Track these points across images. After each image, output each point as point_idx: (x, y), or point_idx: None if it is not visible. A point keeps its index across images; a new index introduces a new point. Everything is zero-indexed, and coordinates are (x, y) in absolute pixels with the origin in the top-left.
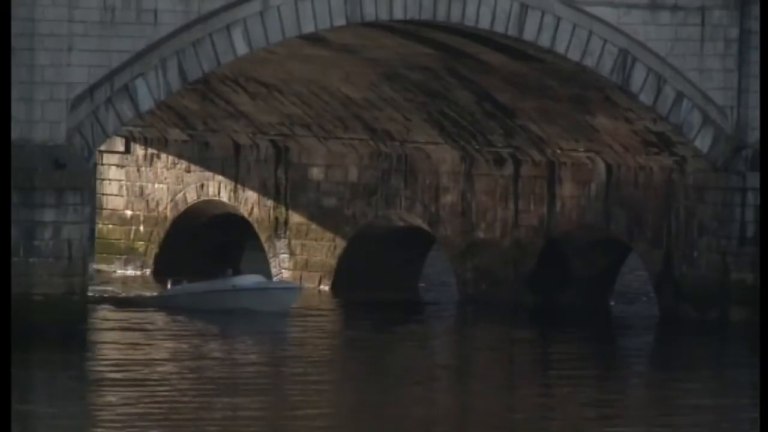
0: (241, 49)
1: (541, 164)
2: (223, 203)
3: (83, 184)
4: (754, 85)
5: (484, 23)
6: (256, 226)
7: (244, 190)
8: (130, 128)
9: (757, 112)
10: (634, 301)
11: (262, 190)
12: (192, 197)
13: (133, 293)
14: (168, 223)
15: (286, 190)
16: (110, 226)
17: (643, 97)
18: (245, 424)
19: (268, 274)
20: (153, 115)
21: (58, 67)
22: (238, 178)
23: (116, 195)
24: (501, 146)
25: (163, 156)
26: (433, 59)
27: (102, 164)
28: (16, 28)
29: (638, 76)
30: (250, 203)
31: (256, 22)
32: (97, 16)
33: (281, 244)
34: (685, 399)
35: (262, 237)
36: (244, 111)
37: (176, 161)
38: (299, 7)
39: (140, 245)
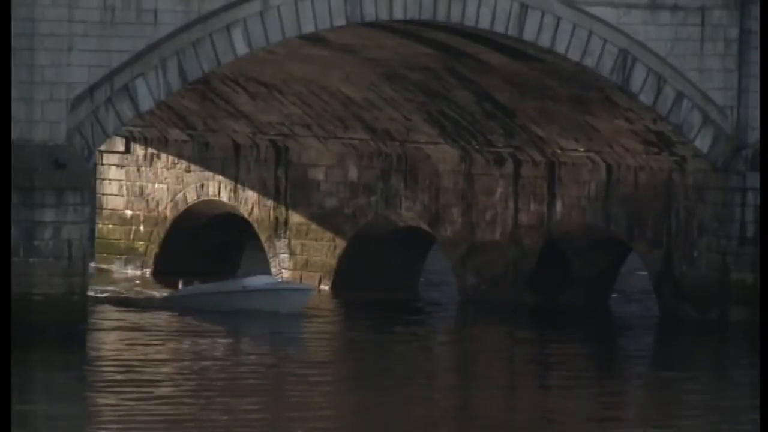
0: (241, 49)
1: (541, 164)
2: (223, 203)
3: (83, 184)
4: (754, 85)
5: (484, 23)
6: (256, 226)
7: (244, 190)
8: (130, 128)
9: (757, 112)
10: (634, 301)
11: (262, 190)
12: (192, 197)
13: (143, 294)
14: (168, 223)
15: (286, 190)
16: (110, 226)
17: (643, 97)
18: (245, 425)
19: (268, 275)
20: (153, 115)
21: (58, 67)
22: (238, 178)
23: (116, 195)
24: (501, 146)
25: (163, 156)
26: (433, 59)
27: (102, 164)
28: (16, 28)
29: (638, 76)
30: (250, 203)
31: (256, 22)
32: (97, 16)
33: (281, 244)
34: (685, 399)
35: (262, 237)
36: (244, 111)
37: (176, 161)
38: (299, 7)
39: (140, 245)
